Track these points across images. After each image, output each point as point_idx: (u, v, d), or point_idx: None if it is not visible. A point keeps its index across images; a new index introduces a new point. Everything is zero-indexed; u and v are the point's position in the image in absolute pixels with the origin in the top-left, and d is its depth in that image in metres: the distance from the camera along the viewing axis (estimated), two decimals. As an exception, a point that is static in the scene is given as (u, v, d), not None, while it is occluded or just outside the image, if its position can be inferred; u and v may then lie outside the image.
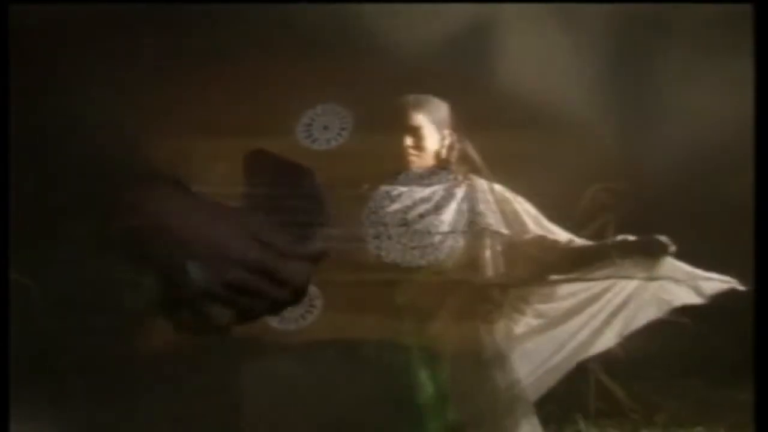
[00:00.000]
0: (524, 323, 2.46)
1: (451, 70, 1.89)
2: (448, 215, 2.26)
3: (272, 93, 1.47)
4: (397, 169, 2.14)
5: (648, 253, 2.32)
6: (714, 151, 2.34)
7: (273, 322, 1.49)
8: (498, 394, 2.31)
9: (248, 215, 1.24)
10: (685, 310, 2.59)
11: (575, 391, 2.78)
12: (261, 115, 1.46)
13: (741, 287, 2.39)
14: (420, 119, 2.14)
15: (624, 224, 2.68)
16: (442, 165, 2.23)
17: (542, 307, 2.46)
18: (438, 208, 2.24)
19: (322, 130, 1.44)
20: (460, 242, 2.24)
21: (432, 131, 2.19)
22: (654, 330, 2.67)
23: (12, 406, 1.43)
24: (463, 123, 2.22)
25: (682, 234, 2.38)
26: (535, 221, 2.33)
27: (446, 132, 2.24)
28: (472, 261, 2.26)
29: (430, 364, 2.06)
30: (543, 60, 2.02)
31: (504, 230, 2.31)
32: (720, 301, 2.49)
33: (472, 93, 2.10)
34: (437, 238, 2.18)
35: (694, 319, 2.71)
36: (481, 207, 2.30)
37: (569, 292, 2.44)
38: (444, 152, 2.21)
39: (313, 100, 1.49)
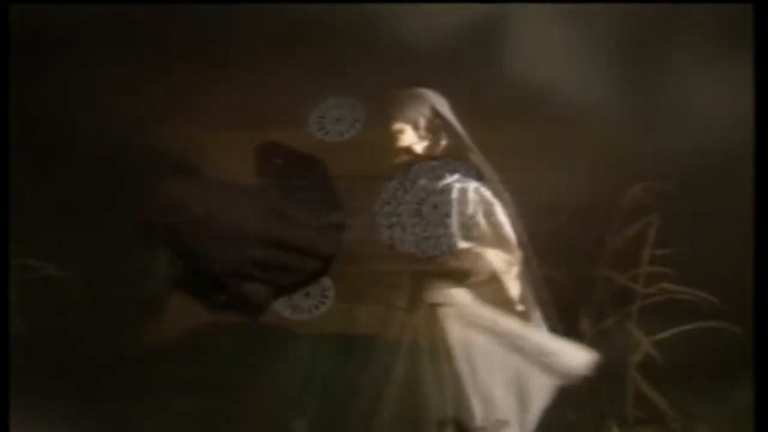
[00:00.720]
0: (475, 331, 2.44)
1: (465, 65, 1.88)
2: (463, 207, 2.25)
3: (285, 86, 1.49)
4: (409, 162, 2.14)
5: None
6: (716, 149, 2.31)
7: (286, 312, 1.50)
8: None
9: (266, 191, 1.26)
10: (730, 314, 2.54)
11: (612, 397, 2.75)
12: (274, 107, 1.48)
13: (576, 362, 2.37)
14: (390, 118, 2.13)
15: (667, 225, 2.65)
16: (420, 159, 2.20)
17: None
18: (451, 200, 2.23)
19: (334, 123, 1.46)
20: (474, 233, 2.24)
21: (403, 127, 2.16)
22: (696, 335, 2.62)
23: (32, 402, 1.46)
24: (461, 115, 2.20)
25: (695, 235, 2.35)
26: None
27: (425, 127, 2.22)
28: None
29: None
30: (560, 56, 2.00)
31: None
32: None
33: (488, 87, 2.09)
34: (451, 229, 2.17)
35: (740, 324, 2.66)
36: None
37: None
38: (419, 148, 2.20)
39: (325, 93, 1.50)
